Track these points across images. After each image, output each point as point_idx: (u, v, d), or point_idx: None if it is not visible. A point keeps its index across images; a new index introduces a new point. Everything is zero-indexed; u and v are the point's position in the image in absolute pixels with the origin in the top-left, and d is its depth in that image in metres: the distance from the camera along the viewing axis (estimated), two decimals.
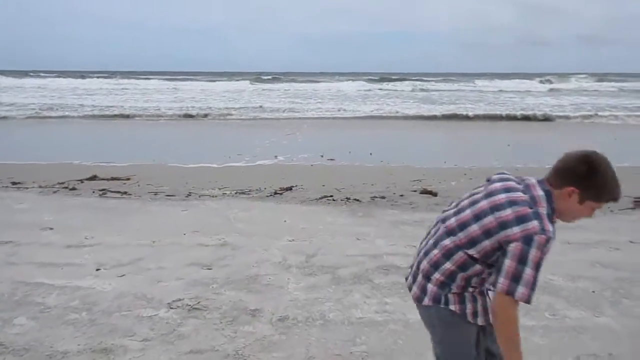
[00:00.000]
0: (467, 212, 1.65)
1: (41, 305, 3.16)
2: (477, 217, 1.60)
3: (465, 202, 1.71)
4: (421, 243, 1.84)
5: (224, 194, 6.51)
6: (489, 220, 1.57)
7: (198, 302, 3.24)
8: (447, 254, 1.65)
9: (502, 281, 1.50)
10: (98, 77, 42.92)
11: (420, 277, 1.75)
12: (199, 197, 6.31)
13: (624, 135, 13.58)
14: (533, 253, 1.48)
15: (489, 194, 1.63)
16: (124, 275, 3.70)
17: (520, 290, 1.49)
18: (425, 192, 6.60)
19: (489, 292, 1.72)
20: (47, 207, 5.62)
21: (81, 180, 7.08)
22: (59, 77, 44.00)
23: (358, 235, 4.71)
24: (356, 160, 9.50)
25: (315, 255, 4.18)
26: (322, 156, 9.83)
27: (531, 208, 1.53)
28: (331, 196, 6.38)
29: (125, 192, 6.43)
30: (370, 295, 3.40)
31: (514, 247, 1.50)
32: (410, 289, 1.81)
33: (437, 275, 1.68)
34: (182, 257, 4.07)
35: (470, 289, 1.69)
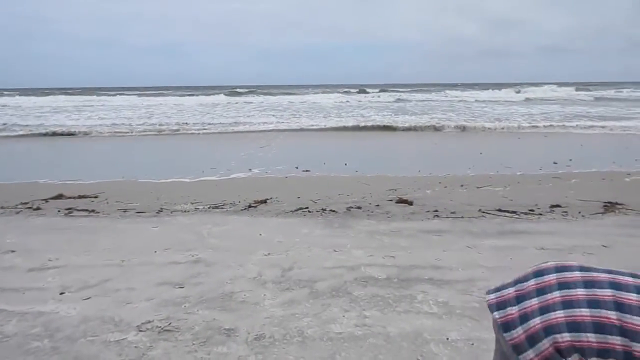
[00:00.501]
0: None
1: None
2: None
3: None
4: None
5: (196, 209, 6.34)
6: None
7: (169, 324, 3.09)
8: None
9: None
10: (64, 94, 41.96)
11: None
12: (171, 212, 6.12)
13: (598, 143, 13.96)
14: None
15: None
16: (89, 297, 3.51)
17: None
18: (401, 201, 6.57)
19: None
20: (9, 229, 5.35)
21: (46, 200, 6.79)
22: (21, 95, 42.84)
23: (335, 247, 4.62)
24: (331, 171, 9.44)
25: (291, 268, 4.07)
26: (297, 168, 9.75)
27: None
28: (307, 208, 6.29)
29: (92, 210, 6.19)
30: (349, 308, 3.30)
31: None
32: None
33: None
34: (152, 277, 3.90)
35: None
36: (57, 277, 3.91)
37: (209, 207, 6.39)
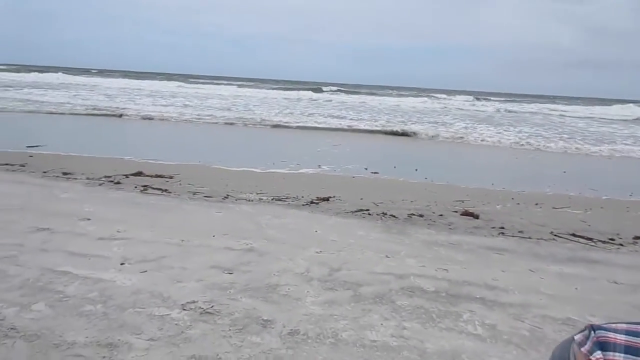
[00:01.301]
0: None
1: (60, 294, 3.22)
2: None
3: None
4: None
5: (260, 199, 6.50)
6: None
7: (211, 307, 3.19)
8: None
9: None
10: (160, 80, 44.89)
11: None
12: (236, 200, 6.33)
13: None
14: None
15: None
16: (145, 271, 3.72)
17: None
18: (466, 213, 6.30)
19: None
20: (89, 198, 5.82)
21: (127, 175, 7.30)
22: (124, 77, 46.60)
23: (388, 253, 4.53)
24: (400, 175, 9.27)
25: (340, 269, 4.05)
26: (366, 169, 9.68)
27: None
28: (367, 210, 6.22)
29: (165, 190, 6.57)
30: (389, 317, 3.22)
31: None
32: None
33: None
34: (206, 259, 4.06)
35: None
36: (121, 248, 4.19)
37: (272, 199, 6.53)
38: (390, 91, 50.87)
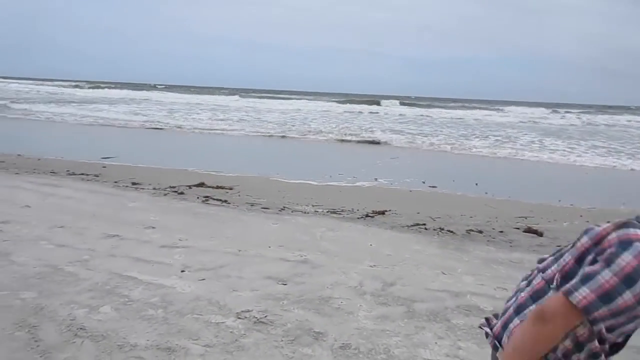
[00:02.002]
0: None
1: (126, 298, 3.40)
2: None
3: None
4: None
5: (316, 211, 6.56)
6: None
7: (265, 316, 3.25)
8: None
9: (569, 284, 1.14)
10: (226, 95, 46.66)
11: None
12: (292, 212, 6.42)
13: None
14: (623, 256, 1.09)
15: None
16: (204, 279, 3.86)
17: (580, 290, 1.11)
18: (529, 230, 6.03)
19: None
20: (155, 207, 6.12)
21: (190, 186, 7.62)
22: (198, 93, 49.13)
23: (444, 269, 4.42)
24: (459, 189, 9.05)
25: (393, 284, 4.00)
26: (423, 182, 9.53)
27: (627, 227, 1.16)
28: (424, 224, 6.11)
29: (225, 201, 6.79)
30: (443, 335, 3.14)
31: (591, 259, 1.17)
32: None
33: None
34: (261, 269, 4.14)
35: None
36: (182, 256, 4.37)
37: (327, 212, 6.57)
38: (453, 103, 49.52)
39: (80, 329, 2.96)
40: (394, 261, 4.58)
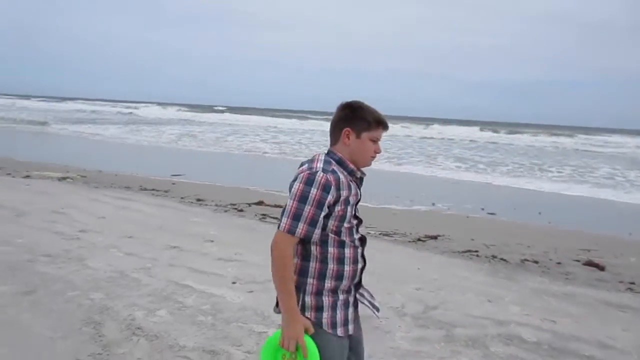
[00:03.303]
0: None
1: (180, 304, 3.70)
2: None
3: None
4: None
5: (368, 232, 6.66)
6: None
7: None
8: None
9: (279, 219, 1.71)
10: (290, 119, 47.69)
11: None
12: None
13: None
14: (297, 186, 1.67)
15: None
16: (252, 291, 4.09)
17: (283, 221, 1.66)
18: (590, 264, 5.77)
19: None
20: (215, 223, 6.51)
21: (249, 204, 7.99)
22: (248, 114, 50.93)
23: (490, 297, 4.37)
24: (520, 218, 8.79)
25: (436, 308, 4.02)
26: (482, 209, 9.34)
27: (305, 163, 1.76)
28: (476, 251, 6.03)
29: None
30: None
31: (291, 186, 1.71)
32: None
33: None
34: None
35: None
36: (235, 269, 4.64)
37: (379, 234, 6.66)
38: (537, 130, 46.52)
39: (138, 328, 3.27)
40: (439, 285, 4.59)
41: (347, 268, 1.75)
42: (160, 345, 3.06)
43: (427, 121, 53.14)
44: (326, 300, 1.73)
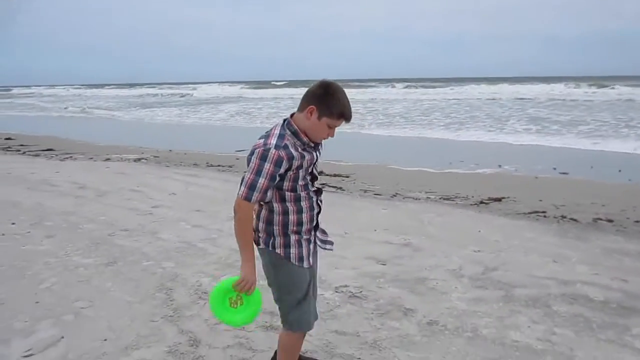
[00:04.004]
0: None
1: None
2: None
3: None
4: None
5: (428, 197, 6.59)
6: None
7: (360, 291, 3.50)
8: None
9: (239, 186, 1.99)
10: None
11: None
12: (403, 198, 6.54)
13: None
14: (254, 161, 1.94)
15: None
16: None
17: (242, 189, 1.96)
18: None
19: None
20: None
21: None
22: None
23: (556, 257, 4.21)
24: (597, 176, 8.25)
25: (495, 269, 3.95)
26: (554, 169, 8.86)
27: (263, 134, 2.02)
28: (544, 212, 5.78)
29: (340, 188, 7.15)
30: (539, 321, 3.07)
31: (248, 159, 1.99)
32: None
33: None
34: (364, 250, 4.39)
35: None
36: None
37: (439, 198, 6.55)
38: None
39: (204, 293, 3.51)
40: (500, 247, 4.49)
41: (305, 215, 2.08)
42: None
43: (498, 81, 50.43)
44: (292, 239, 2.08)
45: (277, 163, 1.92)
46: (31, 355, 2.71)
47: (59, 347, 2.79)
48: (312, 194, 2.11)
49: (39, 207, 6.06)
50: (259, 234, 2.12)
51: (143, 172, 8.61)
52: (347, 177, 8.06)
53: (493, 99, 29.79)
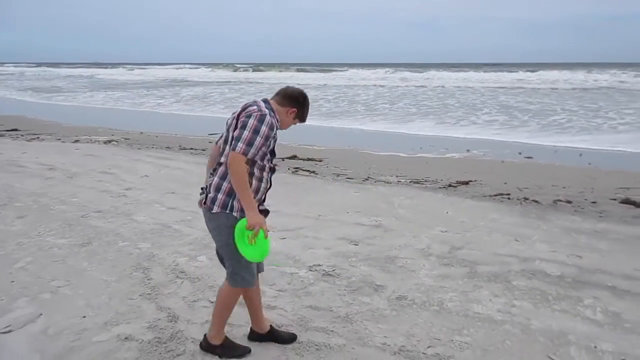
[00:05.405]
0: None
1: None
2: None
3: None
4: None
5: (398, 181, 6.78)
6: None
7: (333, 270, 3.64)
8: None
9: (234, 143, 2.23)
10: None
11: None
12: (375, 182, 6.71)
13: None
14: (252, 122, 2.24)
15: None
16: (285, 238, 4.34)
17: (239, 145, 2.20)
18: (627, 201, 5.69)
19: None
20: None
21: (283, 159, 8.21)
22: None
23: (518, 237, 4.45)
24: (559, 160, 8.63)
25: (461, 248, 4.16)
26: (519, 153, 9.21)
27: (252, 102, 2.37)
28: (508, 194, 6.04)
29: (313, 172, 7.26)
30: (500, 294, 3.28)
31: (241, 121, 2.26)
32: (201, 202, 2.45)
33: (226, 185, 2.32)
34: (337, 232, 4.53)
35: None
36: (268, 219, 4.87)
37: (410, 182, 6.75)
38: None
39: (181, 272, 3.59)
40: (466, 228, 4.70)
41: (262, 186, 2.41)
42: (201, 285, 3.37)
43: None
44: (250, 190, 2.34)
45: (271, 127, 2.27)
46: (10, 331, 2.75)
47: (38, 324, 2.83)
48: (269, 170, 2.42)
49: (8, 188, 5.96)
50: (217, 195, 2.32)
51: (114, 154, 8.51)
52: (320, 161, 8.18)
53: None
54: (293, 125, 2.54)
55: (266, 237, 2.35)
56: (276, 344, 2.65)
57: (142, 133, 11.49)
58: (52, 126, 12.78)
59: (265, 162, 2.37)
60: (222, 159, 2.35)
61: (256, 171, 2.34)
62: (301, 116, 2.50)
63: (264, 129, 2.23)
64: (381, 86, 30.45)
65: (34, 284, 3.37)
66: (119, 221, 4.80)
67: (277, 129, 2.35)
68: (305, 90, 2.58)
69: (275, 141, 2.39)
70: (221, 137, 2.44)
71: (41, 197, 5.63)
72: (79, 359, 2.52)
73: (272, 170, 2.47)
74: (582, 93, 23.78)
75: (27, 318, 2.89)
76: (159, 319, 2.91)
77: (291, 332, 2.76)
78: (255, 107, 2.30)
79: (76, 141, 10.10)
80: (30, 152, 8.61)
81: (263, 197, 2.48)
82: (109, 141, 10.15)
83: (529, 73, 39.75)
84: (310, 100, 2.55)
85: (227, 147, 2.31)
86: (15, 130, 11.62)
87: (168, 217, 4.93)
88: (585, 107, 17.05)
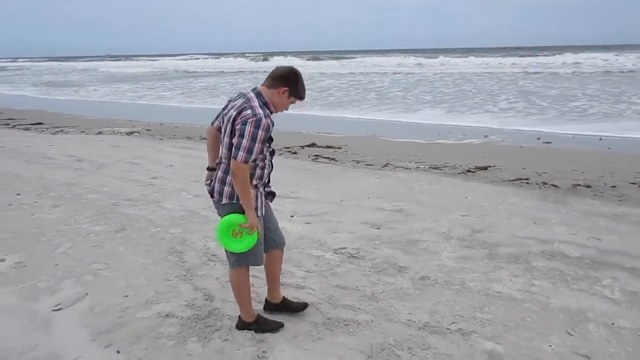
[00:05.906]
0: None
1: None
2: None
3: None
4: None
5: (417, 167, 6.87)
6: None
7: (358, 252, 3.79)
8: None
9: (234, 152, 2.33)
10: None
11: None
12: (394, 168, 6.82)
13: None
14: (249, 129, 2.30)
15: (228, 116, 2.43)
16: (309, 223, 4.50)
17: (240, 154, 2.31)
18: None
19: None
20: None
21: (302, 147, 8.36)
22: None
23: (537, 220, 4.54)
24: (578, 145, 8.63)
25: (481, 231, 4.26)
26: (538, 139, 9.21)
27: (246, 105, 2.38)
28: (527, 179, 6.10)
29: (333, 159, 7.39)
30: (519, 274, 3.39)
31: (238, 129, 2.32)
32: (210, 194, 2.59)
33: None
34: (359, 216, 4.67)
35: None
36: (292, 205, 5.06)
37: (429, 167, 6.84)
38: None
39: (213, 255, 3.77)
40: (486, 211, 4.80)
41: (266, 172, 2.55)
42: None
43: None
44: (252, 193, 2.47)
45: (267, 129, 2.36)
46: (60, 309, 2.96)
47: (85, 302, 3.04)
48: (269, 155, 2.55)
49: (41, 179, 6.22)
50: (224, 188, 2.47)
51: (138, 145, 8.75)
52: (339, 148, 8.30)
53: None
54: (292, 105, 2.54)
55: (251, 233, 2.48)
56: (305, 319, 2.81)
57: (162, 124, 11.72)
58: (73, 119, 13.11)
59: (265, 152, 2.49)
60: (224, 159, 2.46)
61: (259, 162, 2.48)
62: (295, 93, 2.48)
63: (260, 133, 2.31)
64: (397, 73, 30.31)
65: (76, 267, 3.58)
66: (149, 208, 5.00)
67: (273, 126, 2.40)
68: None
69: (272, 129, 2.45)
70: (216, 118, 2.59)
71: (72, 187, 5.87)
72: (126, 332, 2.71)
73: (272, 153, 2.59)
74: (606, 76, 23.39)
75: (75, 297, 3.10)
76: (196, 298, 3.09)
77: (306, 302, 2.92)
78: (249, 112, 2.33)
79: (99, 133, 10.37)
80: (57, 144, 8.89)
81: (267, 179, 2.63)
82: (131, 132, 10.40)
83: (549, 57, 39.09)
84: (304, 77, 2.53)
85: (227, 152, 2.42)
86: (40, 124, 11.94)
87: (195, 204, 5.12)
88: (607, 92, 16.80)
